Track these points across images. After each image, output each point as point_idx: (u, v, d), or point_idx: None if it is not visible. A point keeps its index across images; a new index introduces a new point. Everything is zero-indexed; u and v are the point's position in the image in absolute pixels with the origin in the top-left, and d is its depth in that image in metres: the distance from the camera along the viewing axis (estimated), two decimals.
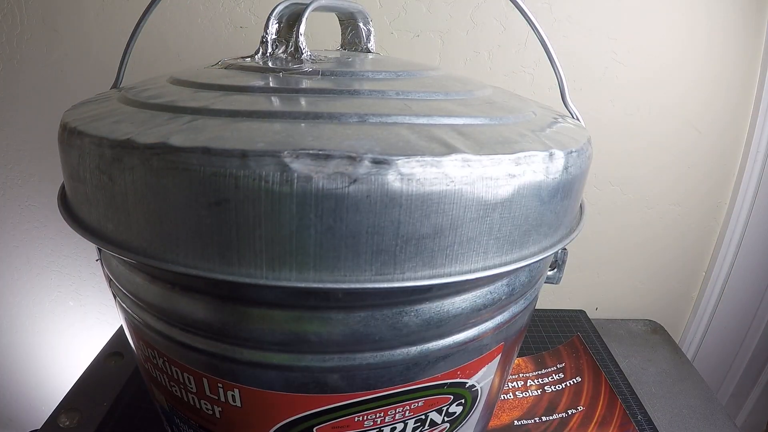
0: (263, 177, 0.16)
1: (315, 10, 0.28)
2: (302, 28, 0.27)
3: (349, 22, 0.36)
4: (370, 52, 0.35)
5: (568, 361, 0.52)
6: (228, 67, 0.27)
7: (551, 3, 0.52)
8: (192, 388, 0.24)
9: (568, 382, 0.49)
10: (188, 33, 0.54)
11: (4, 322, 0.72)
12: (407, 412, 0.24)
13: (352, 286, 0.18)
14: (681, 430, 0.46)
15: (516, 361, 0.51)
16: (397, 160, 0.17)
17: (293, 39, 0.28)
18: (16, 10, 0.52)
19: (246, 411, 0.23)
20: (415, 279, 0.18)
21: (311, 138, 0.17)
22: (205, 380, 0.23)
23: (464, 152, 0.18)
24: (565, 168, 0.21)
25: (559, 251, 0.27)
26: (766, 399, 0.69)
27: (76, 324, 0.72)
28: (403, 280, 0.18)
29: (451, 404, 0.25)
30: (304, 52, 0.27)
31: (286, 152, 0.16)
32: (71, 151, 0.21)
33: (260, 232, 0.17)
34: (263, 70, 0.25)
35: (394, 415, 0.23)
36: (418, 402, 0.23)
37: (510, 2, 0.26)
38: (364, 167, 0.16)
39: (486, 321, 0.23)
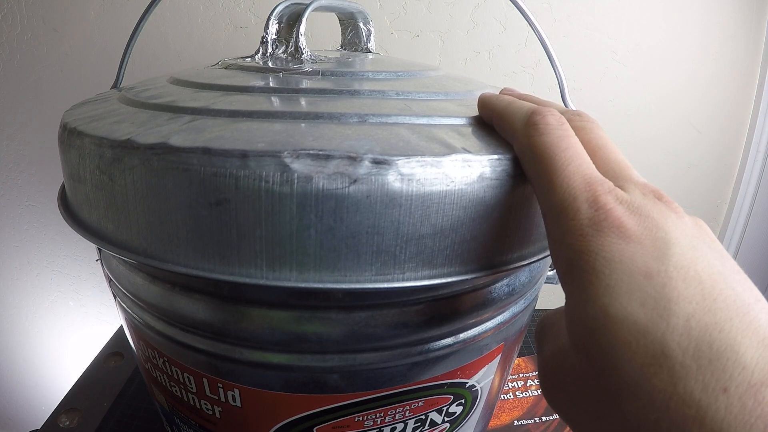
0: (263, 177, 0.16)
1: (315, 10, 0.28)
2: (302, 28, 0.27)
3: (349, 22, 0.36)
4: (370, 52, 0.35)
5: None
6: (228, 67, 0.27)
7: (551, 3, 0.52)
8: (192, 388, 0.24)
9: None
10: (188, 33, 0.54)
11: (4, 322, 0.72)
12: (407, 412, 0.24)
13: (353, 286, 0.18)
14: None
15: (516, 361, 0.51)
16: (398, 160, 0.17)
17: (293, 39, 0.28)
18: (16, 10, 0.52)
19: (246, 411, 0.23)
20: (416, 279, 0.18)
21: (311, 138, 0.17)
22: (205, 380, 0.23)
23: (464, 152, 0.18)
24: None
25: None
26: None
27: (76, 324, 0.72)
28: (403, 280, 0.18)
29: (451, 404, 0.25)
30: (304, 52, 0.27)
31: (286, 152, 0.16)
32: (71, 151, 0.21)
33: (260, 233, 0.17)
34: (263, 70, 0.25)
35: (395, 415, 0.23)
36: (418, 402, 0.23)
37: (510, 2, 0.26)
38: (365, 167, 0.16)
39: (486, 321, 0.23)
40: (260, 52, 0.28)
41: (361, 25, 0.35)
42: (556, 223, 0.15)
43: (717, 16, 0.54)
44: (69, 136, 0.21)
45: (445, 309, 0.21)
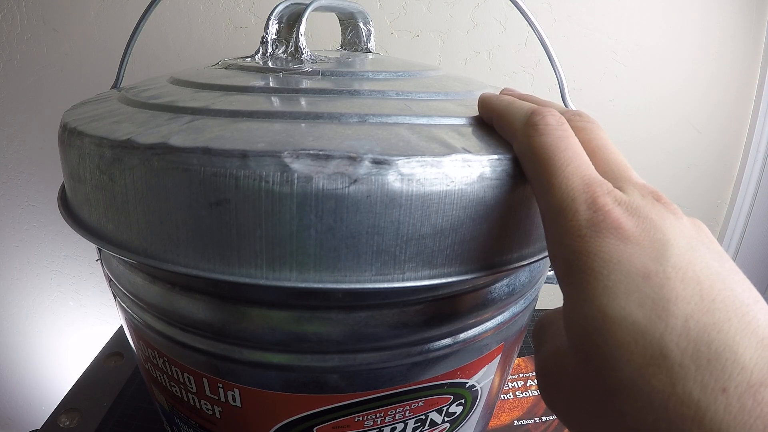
0: (263, 177, 0.16)
1: (315, 10, 0.28)
2: (302, 28, 0.27)
3: (349, 22, 0.36)
4: (370, 52, 0.35)
5: None
6: (228, 67, 0.27)
7: (551, 3, 0.52)
8: (192, 388, 0.24)
9: None
10: (188, 33, 0.54)
11: (4, 322, 0.72)
12: (407, 412, 0.24)
13: (353, 286, 0.18)
14: None
15: (516, 361, 0.51)
16: (398, 160, 0.17)
17: (293, 39, 0.28)
18: (16, 10, 0.53)
19: (246, 411, 0.23)
20: (416, 279, 0.18)
21: (311, 138, 0.17)
22: (205, 380, 0.23)
23: (464, 152, 0.18)
24: None
25: None
26: None
27: (76, 324, 0.72)
28: (403, 280, 0.18)
29: (451, 404, 0.25)
30: (304, 52, 0.27)
31: (286, 152, 0.16)
32: (71, 151, 0.21)
33: (260, 233, 0.17)
34: (263, 70, 0.25)
35: (395, 415, 0.23)
36: (418, 402, 0.23)
37: (510, 2, 0.26)
38: (365, 167, 0.16)
39: (486, 321, 0.23)
40: (260, 52, 0.28)
41: (361, 25, 0.35)
42: (555, 224, 0.15)
43: (717, 16, 0.54)
44: (69, 136, 0.21)
45: (445, 309, 0.21)
